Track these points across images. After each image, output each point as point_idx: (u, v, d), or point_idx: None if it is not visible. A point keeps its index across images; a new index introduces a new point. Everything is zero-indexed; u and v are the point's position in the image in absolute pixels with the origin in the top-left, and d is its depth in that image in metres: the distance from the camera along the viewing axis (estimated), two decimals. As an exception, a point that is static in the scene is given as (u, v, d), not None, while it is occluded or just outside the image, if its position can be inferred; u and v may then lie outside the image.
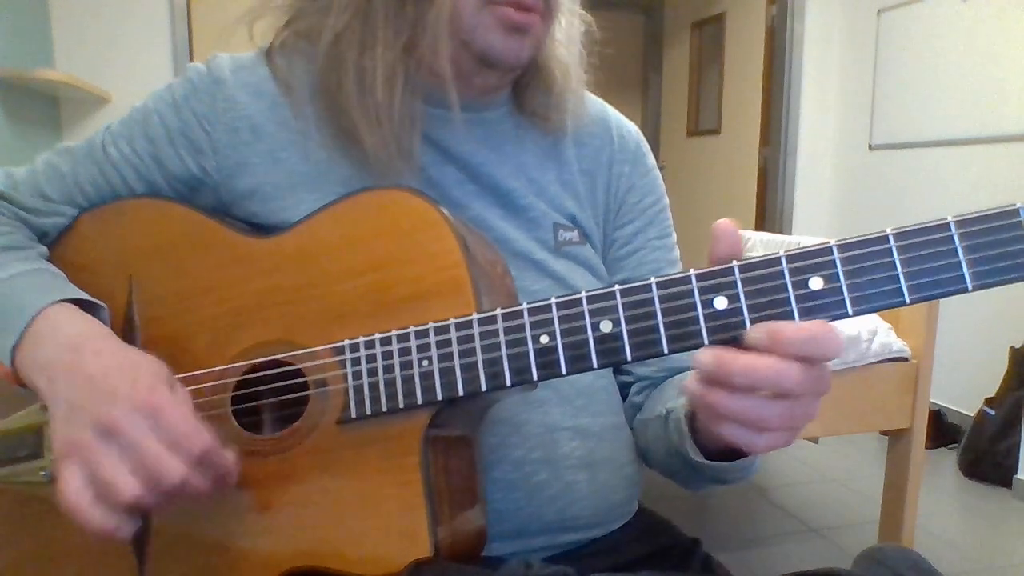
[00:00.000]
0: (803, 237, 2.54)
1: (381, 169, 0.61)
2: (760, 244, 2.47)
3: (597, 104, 0.76)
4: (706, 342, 0.45)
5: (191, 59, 2.87)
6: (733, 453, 0.55)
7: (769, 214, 3.69)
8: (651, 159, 0.77)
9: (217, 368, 0.57)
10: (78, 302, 0.57)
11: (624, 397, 0.74)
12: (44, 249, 0.64)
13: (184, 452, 0.48)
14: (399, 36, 0.61)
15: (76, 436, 0.49)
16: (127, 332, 0.61)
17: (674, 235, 0.77)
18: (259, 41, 0.68)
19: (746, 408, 0.43)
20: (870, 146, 3.33)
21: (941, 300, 1.71)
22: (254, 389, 0.56)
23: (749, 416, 0.43)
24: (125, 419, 0.48)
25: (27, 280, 0.57)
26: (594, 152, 0.73)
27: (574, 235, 0.70)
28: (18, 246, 0.61)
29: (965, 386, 2.74)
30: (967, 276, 0.42)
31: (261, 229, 0.62)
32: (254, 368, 0.56)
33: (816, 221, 3.59)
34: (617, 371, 0.74)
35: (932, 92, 2.97)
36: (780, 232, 3.54)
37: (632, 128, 0.77)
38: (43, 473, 0.60)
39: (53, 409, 0.51)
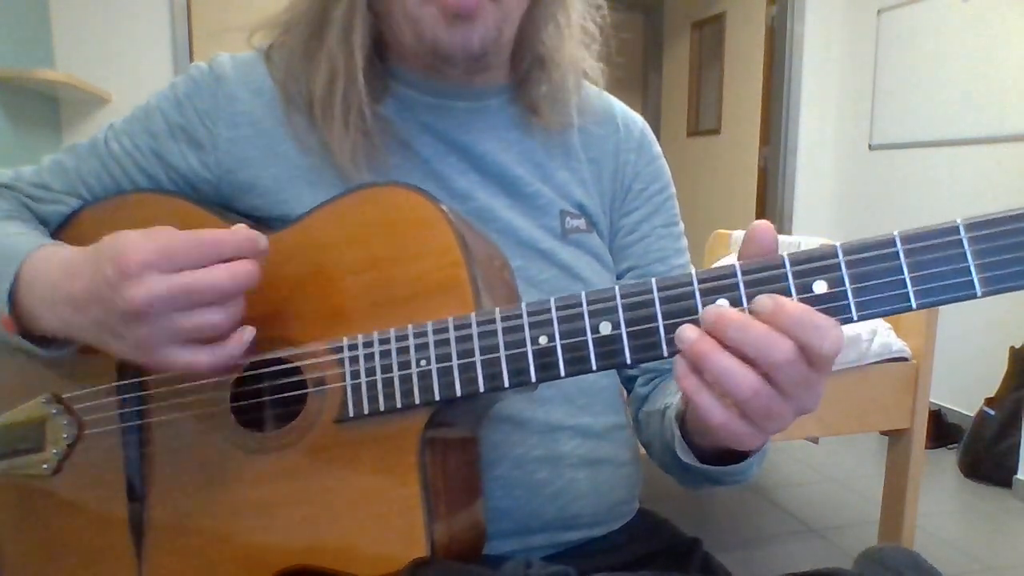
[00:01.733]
0: (803, 237, 2.54)
1: (350, 175, 0.62)
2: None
3: (601, 96, 0.76)
4: None
5: (191, 59, 2.87)
6: (726, 456, 0.54)
7: (769, 214, 3.69)
8: (656, 148, 0.77)
9: None
10: None
11: (629, 391, 0.74)
12: (44, 228, 0.65)
13: (204, 256, 0.49)
14: (347, 38, 0.62)
15: (133, 338, 0.49)
16: None
17: (681, 224, 0.77)
18: (257, 45, 0.69)
19: (725, 367, 0.41)
20: (870, 146, 3.33)
21: (942, 300, 1.68)
22: (253, 387, 0.56)
23: (722, 373, 0.41)
24: (137, 291, 0.47)
25: (16, 238, 0.59)
26: (599, 141, 0.73)
27: (581, 223, 0.69)
28: (15, 217, 0.63)
29: (965, 386, 2.74)
30: (976, 282, 0.40)
31: (261, 224, 0.63)
32: (253, 366, 0.56)
33: (816, 221, 3.59)
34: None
35: (932, 92, 2.97)
36: (780, 232, 3.54)
37: (637, 118, 0.77)
38: (45, 466, 0.60)
39: (91, 343, 0.52)
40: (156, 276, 0.48)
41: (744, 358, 0.41)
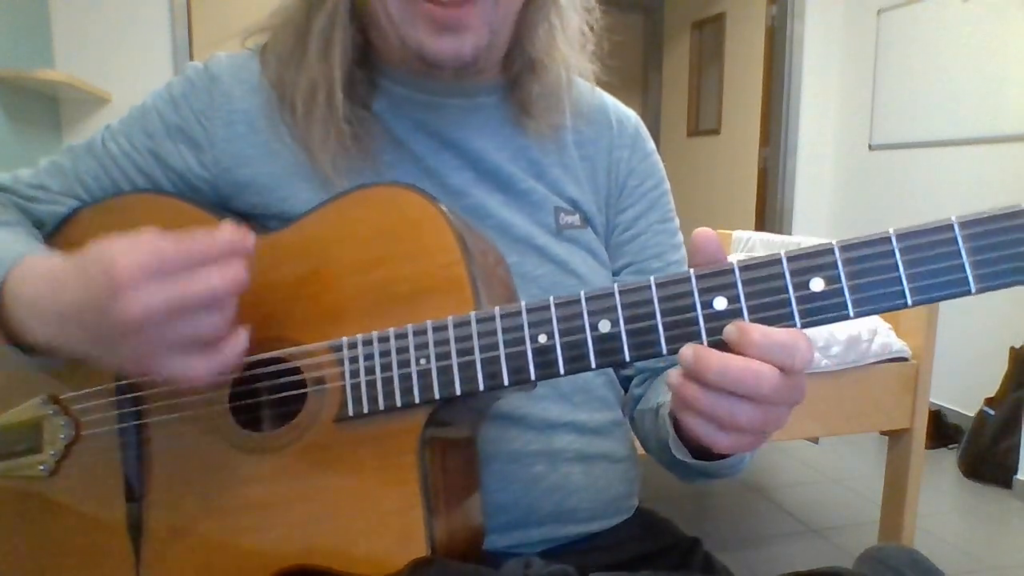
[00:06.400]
0: (803, 237, 2.54)
1: (333, 182, 0.62)
2: (760, 244, 2.47)
3: (594, 92, 0.76)
4: (705, 343, 0.45)
5: (191, 59, 2.87)
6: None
7: (769, 214, 3.69)
8: (650, 144, 0.77)
9: None
10: None
11: (626, 390, 0.74)
12: (36, 232, 0.64)
13: (193, 261, 0.47)
14: (327, 53, 0.62)
15: (126, 351, 0.48)
16: None
17: (676, 220, 0.77)
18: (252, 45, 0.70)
19: (715, 405, 0.43)
20: (870, 146, 3.33)
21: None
22: (252, 386, 0.56)
23: (717, 413, 0.43)
24: (131, 304, 0.46)
25: (5, 243, 0.57)
26: (593, 138, 0.73)
27: (575, 219, 0.69)
28: (7, 224, 0.62)
29: (965, 386, 2.74)
30: (971, 278, 0.41)
31: (259, 224, 0.63)
32: (252, 365, 0.56)
33: (816, 221, 3.59)
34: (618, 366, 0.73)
35: (932, 92, 2.97)
36: (780, 232, 3.54)
37: (630, 114, 0.77)
38: (42, 467, 0.60)
39: (80, 356, 0.50)
40: (149, 287, 0.46)
41: (732, 393, 0.43)
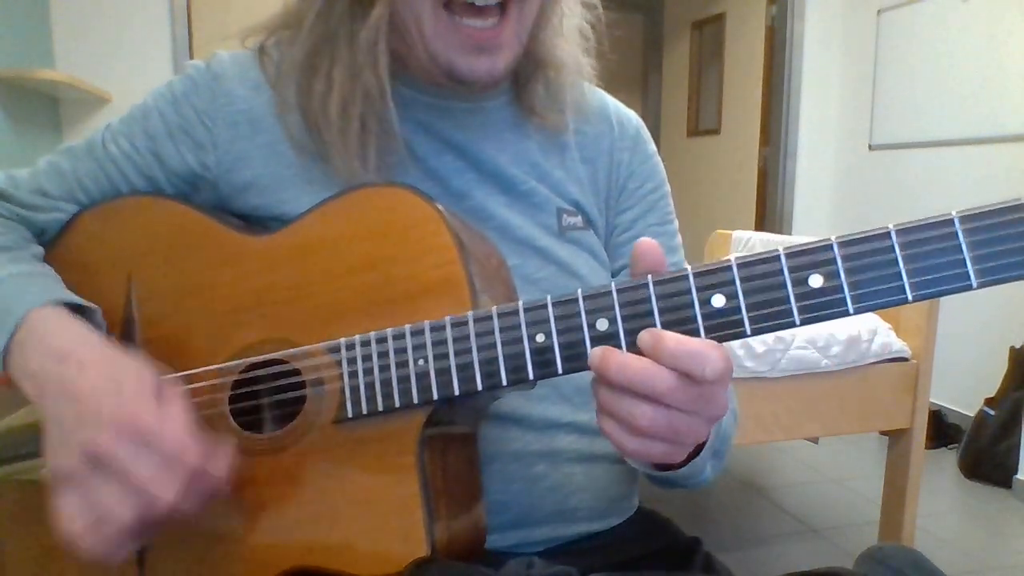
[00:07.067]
0: (803, 237, 2.54)
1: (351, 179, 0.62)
2: (760, 245, 2.47)
3: (596, 93, 0.76)
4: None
5: (191, 59, 2.86)
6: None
7: (769, 214, 3.69)
8: (651, 146, 0.77)
9: (214, 367, 0.57)
10: (69, 305, 0.56)
11: None
12: (39, 250, 0.63)
13: (176, 471, 0.47)
14: (354, 54, 0.62)
15: (67, 464, 0.47)
16: (126, 330, 0.61)
17: (676, 222, 0.77)
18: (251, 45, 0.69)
19: (619, 405, 0.44)
20: (870, 146, 3.33)
21: (941, 300, 1.69)
22: (252, 388, 0.56)
23: (619, 413, 0.45)
24: (112, 444, 0.46)
25: (16, 283, 0.56)
26: (594, 140, 0.73)
27: (578, 220, 0.69)
28: (11, 247, 0.61)
29: (965, 386, 2.74)
30: (972, 273, 0.40)
31: (259, 226, 0.63)
32: (251, 367, 0.56)
33: (816, 221, 3.59)
34: None
35: (932, 92, 2.97)
36: (780, 232, 3.54)
37: (631, 115, 0.77)
38: (44, 471, 0.59)
39: (46, 428, 0.50)
40: (124, 443, 0.46)
41: (634, 393, 0.44)
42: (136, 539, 0.48)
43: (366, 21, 0.61)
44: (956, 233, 0.41)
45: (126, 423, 0.47)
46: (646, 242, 0.46)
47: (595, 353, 0.45)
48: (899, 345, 1.71)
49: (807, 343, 1.63)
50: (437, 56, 0.61)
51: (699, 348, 0.42)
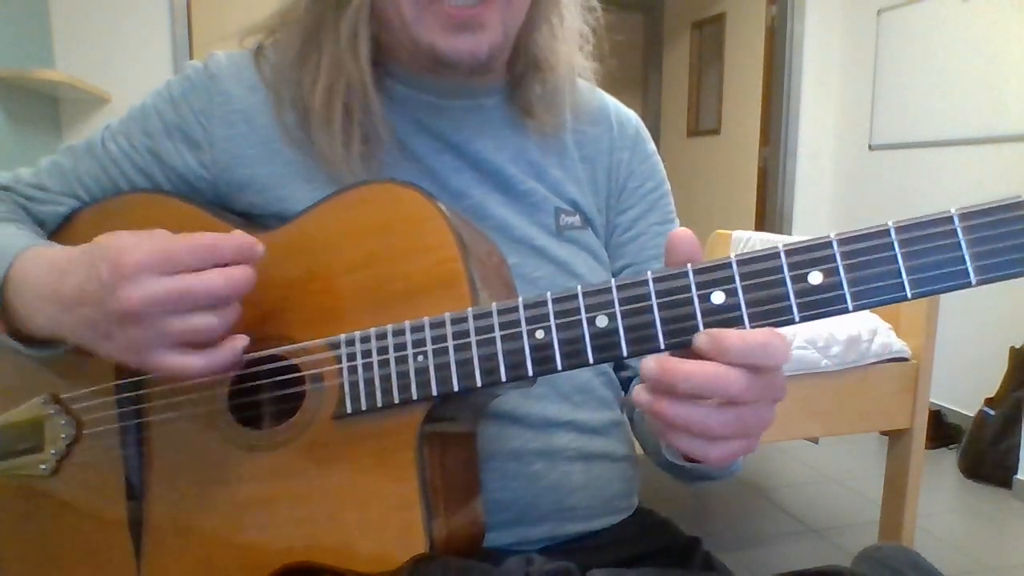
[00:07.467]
0: (803, 238, 2.54)
1: (340, 175, 0.62)
2: (760, 244, 2.47)
3: (595, 93, 0.76)
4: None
5: (191, 59, 2.86)
6: None
7: (769, 214, 3.69)
8: (651, 145, 0.77)
9: None
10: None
11: (625, 390, 0.74)
12: (39, 230, 0.65)
13: (200, 259, 0.48)
14: (354, 50, 0.62)
15: (124, 340, 0.49)
16: None
17: (676, 221, 0.77)
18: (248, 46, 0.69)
19: (690, 416, 0.42)
20: (870, 146, 3.33)
21: (941, 300, 1.69)
22: (251, 384, 0.56)
23: (694, 425, 0.42)
24: (133, 292, 0.47)
25: (8, 238, 0.58)
26: (593, 139, 0.73)
27: (576, 220, 0.69)
28: (9, 220, 0.63)
29: (965, 386, 2.74)
30: (971, 270, 0.40)
31: (258, 223, 0.63)
32: (251, 363, 0.56)
33: (816, 221, 3.59)
34: (617, 367, 0.73)
35: (932, 92, 2.97)
36: (780, 232, 3.54)
37: (631, 115, 0.77)
38: (43, 467, 0.60)
39: (80, 343, 0.51)
40: (152, 278, 0.48)
41: (702, 401, 0.42)
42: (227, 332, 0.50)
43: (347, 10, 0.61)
44: (955, 230, 0.41)
45: (129, 270, 0.48)
46: (681, 232, 0.45)
47: (651, 364, 0.42)
48: (899, 345, 1.71)
49: (807, 343, 1.63)
50: (419, 40, 0.60)
51: (765, 339, 0.41)
